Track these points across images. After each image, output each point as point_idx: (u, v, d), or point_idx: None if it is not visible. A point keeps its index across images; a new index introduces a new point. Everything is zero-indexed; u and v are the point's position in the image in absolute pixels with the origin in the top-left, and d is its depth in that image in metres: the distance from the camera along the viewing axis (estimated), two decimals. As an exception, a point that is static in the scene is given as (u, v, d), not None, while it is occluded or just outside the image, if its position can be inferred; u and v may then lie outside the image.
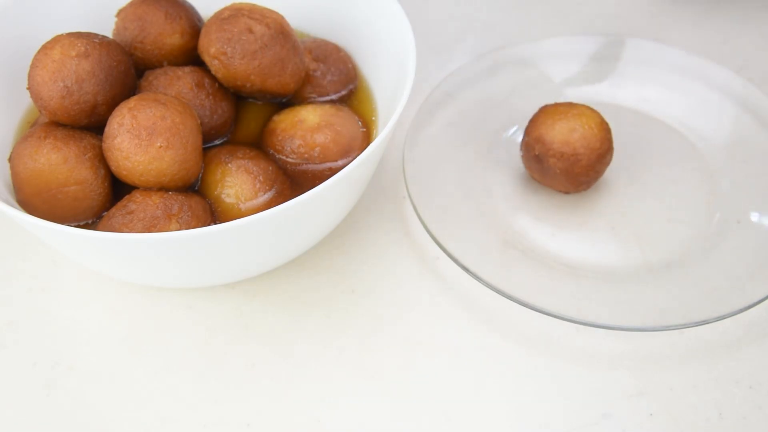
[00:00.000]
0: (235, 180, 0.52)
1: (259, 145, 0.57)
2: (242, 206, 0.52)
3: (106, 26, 0.58)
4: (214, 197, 0.52)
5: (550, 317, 0.53)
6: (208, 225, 0.50)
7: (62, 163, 0.50)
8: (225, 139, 0.57)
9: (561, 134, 0.58)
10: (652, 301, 0.54)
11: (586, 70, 0.69)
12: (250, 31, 0.53)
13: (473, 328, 0.55)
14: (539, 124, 0.60)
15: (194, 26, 0.57)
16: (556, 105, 0.61)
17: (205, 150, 0.54)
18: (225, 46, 0.53)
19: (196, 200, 0.51)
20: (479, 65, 0.68)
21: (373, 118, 0.59)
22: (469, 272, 0.54)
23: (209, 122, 0.55)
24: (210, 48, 0.54)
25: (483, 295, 0.56)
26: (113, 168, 0.50)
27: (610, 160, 0.60)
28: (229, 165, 0.52)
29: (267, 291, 0.57)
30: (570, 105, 0.60)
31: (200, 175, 0.53)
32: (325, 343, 0.54)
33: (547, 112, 0.60)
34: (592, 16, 0.79)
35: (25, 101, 0.58)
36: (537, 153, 0.59)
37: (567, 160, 0.58)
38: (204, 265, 0.49)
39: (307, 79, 0.59)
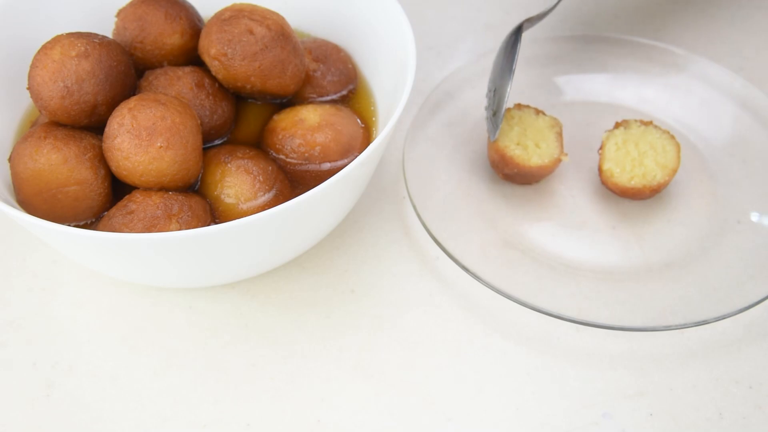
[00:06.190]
0: (235, 180, 0.52)
1: (259, 145, 0.57)
2: (242, 206, 0.52)
3: (106, 26, 0.58)
4: (214, 197, 0.52)
5: (550, 317, 0.53)
6: (208, 225, 0.50)
7: (62, 163, 0.50)
8: (225, 139, 0.57)
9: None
10: (652, 301, 0.54)
11: (586, 70, 0.69)
12: (251, 32, 0.53)
13: (473, 328, 0.55)
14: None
15: (194, 26, 0.57)
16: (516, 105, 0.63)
17: (205, 150, 0.54)
18: (225, 48, 0.53)
19: (196, 200, 0.51)
20: (479, 65, 0.68)
21: (373, 118, 0.59)
22: (469, 272, 0.54)
23: (209, 122, 0.55)
24: (210, 49, 0.54)
25: (483, 295, 0.56)
26: (113, 168, 0.50)
27: None
28: (229, 165, 0.52)
29: (267, 291, 0.57)
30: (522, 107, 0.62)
31: (200, 175, 0.53)
32: (325, 343, 0.54)
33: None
34: (591, 16, 0.79)
35: (25, 101, 0.58)
36: (507, 173, 0.60)
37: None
38: (204, 265, 0.49)
39: (307, 79, 0.59)
